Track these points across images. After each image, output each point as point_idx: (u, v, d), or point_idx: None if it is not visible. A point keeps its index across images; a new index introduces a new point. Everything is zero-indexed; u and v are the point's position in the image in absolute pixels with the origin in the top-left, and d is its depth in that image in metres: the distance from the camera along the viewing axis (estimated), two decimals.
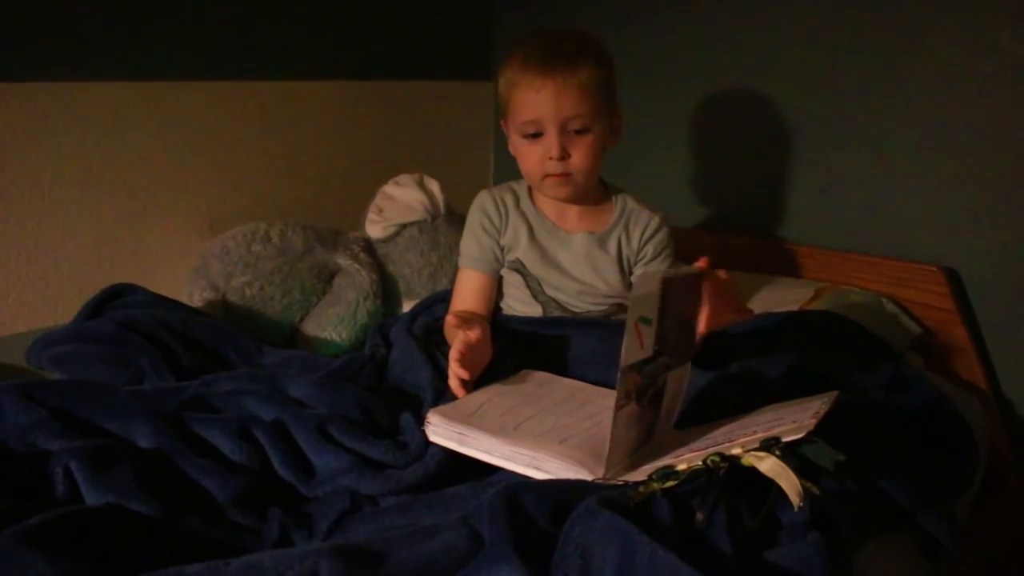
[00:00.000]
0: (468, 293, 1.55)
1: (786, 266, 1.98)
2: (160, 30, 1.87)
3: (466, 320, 1.34)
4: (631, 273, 1.55)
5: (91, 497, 1.01)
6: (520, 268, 1.53)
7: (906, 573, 1.26)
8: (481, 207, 1.56)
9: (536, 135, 1.44)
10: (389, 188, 1.94)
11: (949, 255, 1.79)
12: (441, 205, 1.91)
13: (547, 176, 1.46)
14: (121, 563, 0.90)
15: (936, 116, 1.78)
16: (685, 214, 2.16)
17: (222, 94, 2.00)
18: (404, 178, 1.94)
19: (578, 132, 1.44)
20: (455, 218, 1.92)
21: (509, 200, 1.56)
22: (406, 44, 2.35)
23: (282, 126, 2.12)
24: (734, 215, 2.15)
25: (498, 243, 1.54)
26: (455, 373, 1.27)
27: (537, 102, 1.41)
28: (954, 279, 1.78)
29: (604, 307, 1.54)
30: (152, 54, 1.87)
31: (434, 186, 1.93)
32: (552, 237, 1.53)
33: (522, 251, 1.53)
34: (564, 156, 1.44)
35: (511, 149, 1.53)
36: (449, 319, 1.37)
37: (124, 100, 1.84)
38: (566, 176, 1.46)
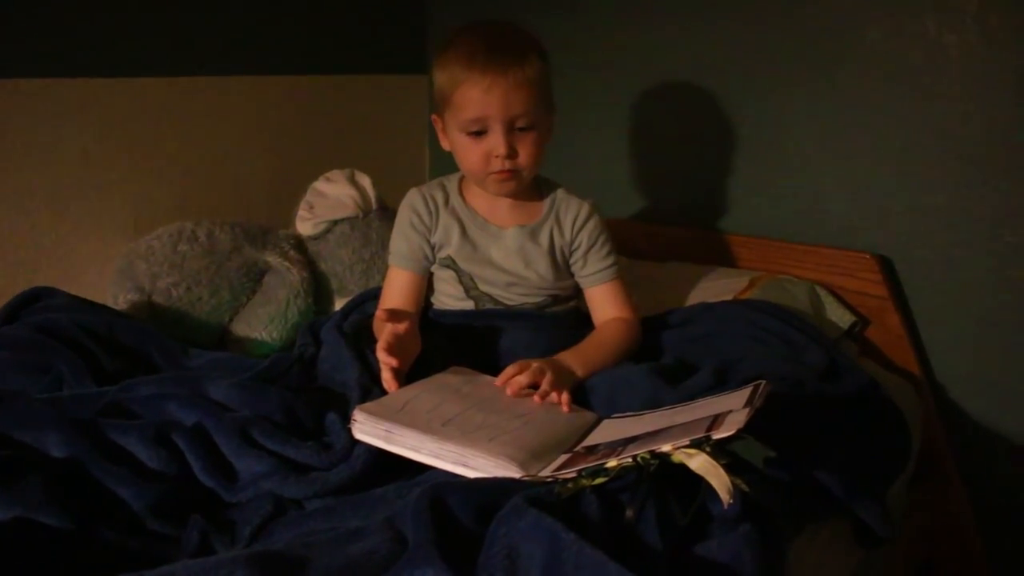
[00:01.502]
0: (397, 291, 1.52)
1: (721, 256, 1.98)
2: (80, 24, 1.82)
3: (395, 314, 1.33)
4: (567, 264, 1.53)
5: None
6: (452, 265, 1.51)
7: (840, 560, 1.27)
8: (411, 205, 1.54)
9: (480, 132, 1.42)
10: (320, 184, 1.90)
11: (882, 243, 1.80)
12: (373, 201, 1.88)
13: (491, 173, 1.44)
14: None
15: (869, 106, 1.78)
16: (620, 205, 2.15)
17: (145, 90, 1.94)
18: (335, 174, 1.91)
19: (523, 129, 1.42)
20: (388, 214, 1.89)
21: (439, 197, 1.53)
22: (338, 38, 2.31)
23: (210, 122, 2.07)
24: (668, 205, 2.14)
25: (428, 241, 1.52)
26: (384, 361, 1.25)
27: (486, 100, 1.39)
28: (887, 266, 1.79)
29: (538, 299, 1.52)
30: (71, 49, 1.81)
31: (366, 181, 1.90)
32: (484, 233, 1.51)
33: (454, 248, 1.50)
34: (511, 155, 1.42)
35: (446, 144, 1.50)
36: (378, 314, 1.35)
37: (41, 97, 1.78)
38: (511, 172, 1.44)
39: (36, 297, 1.56)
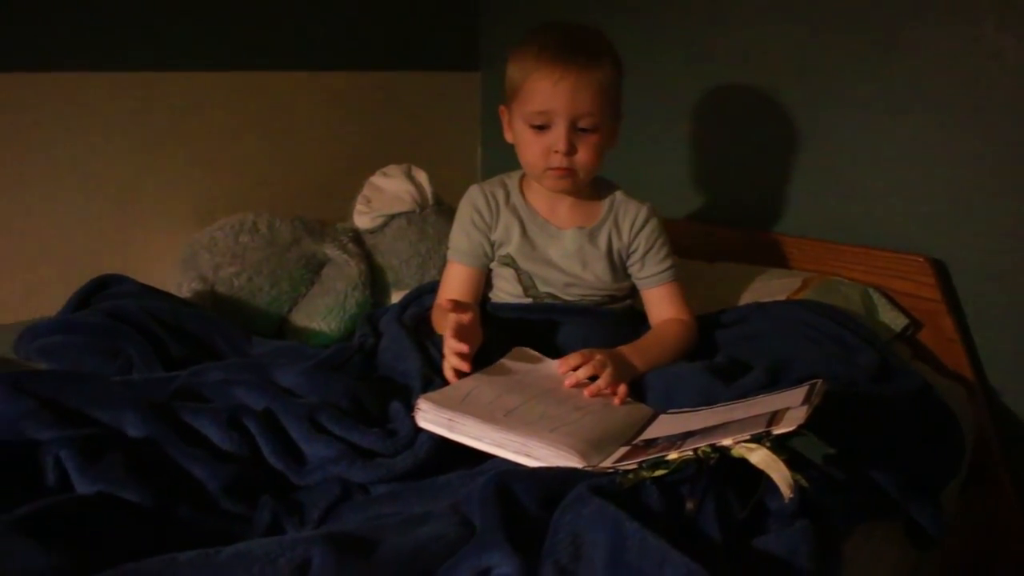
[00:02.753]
0: (455, 286, 1.55)
1: (774, 257, 1.98)
2: (147, 20, 1.87)
3: (458, 304, 1.35)
4: (624, 266, 1.55)
5: (82, 486, 1.01)
6: (511, 263, 1.53)
7: (893, 560, 1.27)
8: (472, 202, 1.56)
9: (543, 127, 1.44)
10: (377, 179, 1.94)
11: (936, 246, 1.80)
12: (429, 196, 1.91)
13: (549, 169, 1.46)
14: (112, 551, 0.90)
15: (924, 108, 1.78)
16: (674, 205, 2.16)
17: (211, 85, 1.99)
18: (392, 169, 1.95)
19: (586, 130, 1.44)
20: (443, 209, 1.92)
21: (500, 195, 1.55)
22: (395, 35, 2.35)
23: (271, 117, 2.12)
24: (723, 206, 2.15)
25: (488, 238, 1.54)
26: (454, 348, 1.27)
27: (553, 94, 1.41)
28: (941, 270, 1.79)
29: (595, 298, 1.54)
30: (140, 45, 1.86)
31: (422, 177, 1.93)
32: (543, 232, 1.53)
33: (513, 247, 1.53)
34: (571, 152, 1.44)
35: (510, 137, 1.52)
36: (443, 303, 1.37)
37: (112, 91, 1.83)
38: (568, 171, 1.46)
39: (106, 284, 1.61)
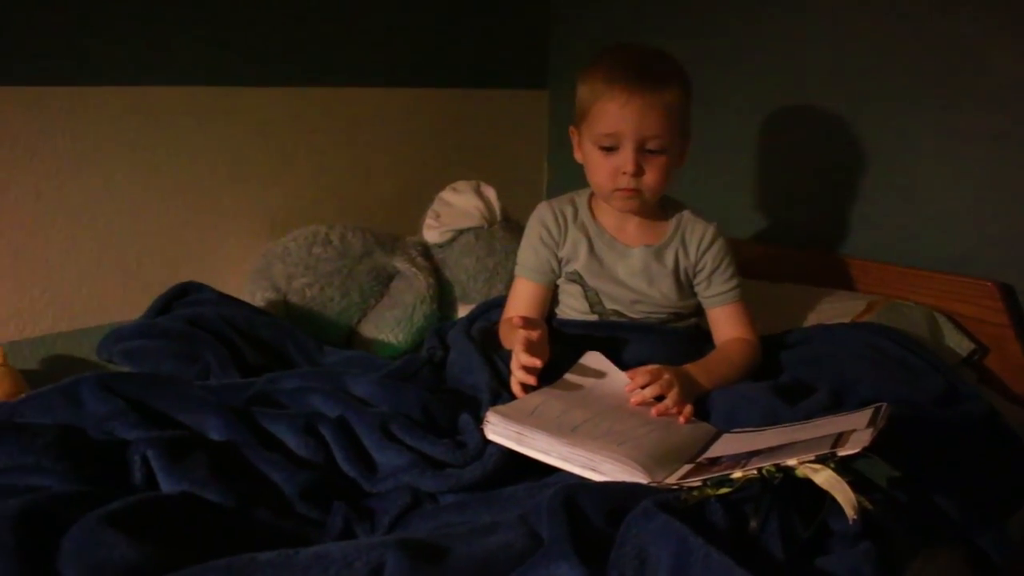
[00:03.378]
0: (522, 301, 1.58)
1: (839, 279, 1.98)
2: (228, 37, 1.93)
3: (529, 321, 1.38)
4: (690, 284, 1.57)
5: (167, 485, 1.06)
6: (578, 280, 1.55)
7: None
8: (540, 219, 1.59)
9: (611, 148, 1.46)
10: (446, 194, 1.97)
11: (1004, 270, 1.79)
12: (497, 212, 1.95)
13: (617, 190, 1.49)
14: (195, 548, 0.94)
15: (993, 131, 1.77)
16: (740, 226, 2.17)
17: (286, 100, 2.05)
18: (461, 184, 1.98)
19: (653, 152, 1.46)
20: (511, 225, 1.95)
21: (568, 212, 1.58)
22: (466, 53, 2.39)
23: (345, 132, 2.17)
24: (788, 227, 2.16)
25: (556, 255, 1.57)
26: (523, 362, 1.30)
27: (620, 116, 1.43)
28: (1009, 294, 1.78)
29: (661, 316, 1.56)
30: (221, 60, 1.93)
31: (491, 193, 1.96)
32: (611, 250, 1.56)
33: (581, 264, 1.55)
34: (638, 173, 1.46)
35: (579, 156, 1.55)
36: (513, 320, 1.39)
37: (192, 104, 1.90)
38: (636, 192, 1.48)
39: (186, 291, 1.67)
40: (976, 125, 1.80)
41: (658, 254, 1.55)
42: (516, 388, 1.31)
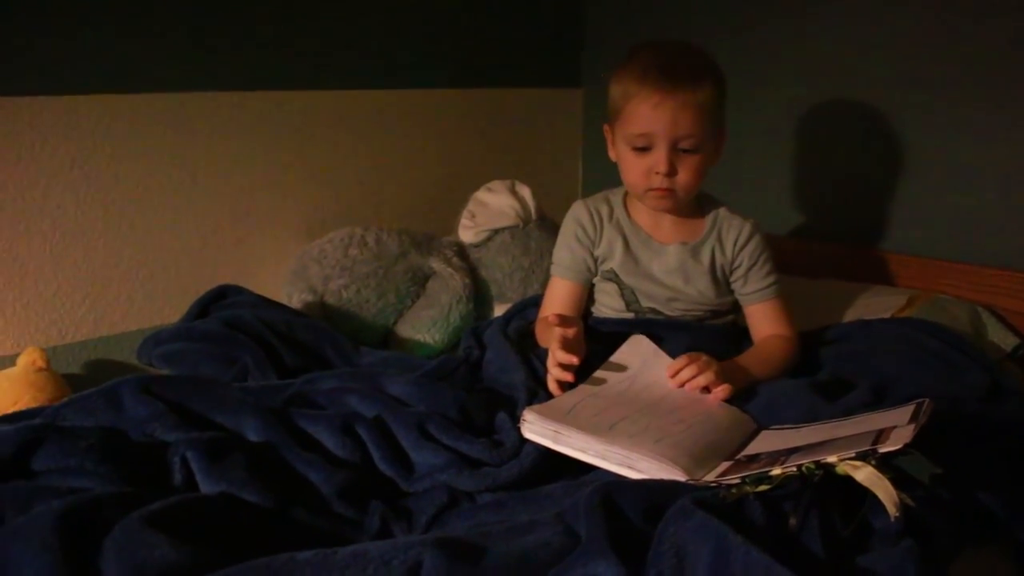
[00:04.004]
0: (558, 300, 1.57)
1: (879, 274, 1.96)
2: (266, 40, 1.95)
3: (564, 319, 1.38)
4: (727, 281, 1.56)
5: (206, 486, 1.06)
6: (614, 278, 1.55)
7: None
8: (576, 218, 1.58)
9: (645, 148, 1.45)
10: (481, 194, 1.98)
11: None
12: (533, 211, 1.95)
13: (650, 189, 1.48)
14: (235, 548, 0.94)
15: None
16: (777, 221, 2.15)
17: (322, 103, 2.06)
18: (496, 184, 1.98)
19: (687, 151, 1.45)
20: (546, 223, 1.95)
21: (604, 211, 1.57)
22: (498, 53, 2.39)
23: (378, 134, 2.18)
24: (825, 222, 2.13)
25: (591, 254, 1.56)
26: (560, 359, 1.30)
27: (653, 117, 1.42)
28: None
29: (698, 313, 1.55)
30: (256, 65, 1.94)
31: (526, 192, 1.96)
32: (646, 248, 1.55)
33: (617, 262, 1.55)
34: (671, 172, 1.45)
35: (613, 155, 1.54)
36: (549, 318, 1.39)
37: (228, 109, 1.92)
38: (669, 191, 1.47)
39: (224, 294, 1.68)
40: (1018, 118, 1.77)
41: (694, 252, 1.54)
42: (553, 386, 1.31)
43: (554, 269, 1.60)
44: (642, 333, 1.50)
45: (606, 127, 1.55)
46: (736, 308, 1.59)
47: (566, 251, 1.58)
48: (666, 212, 1.55)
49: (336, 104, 2.10)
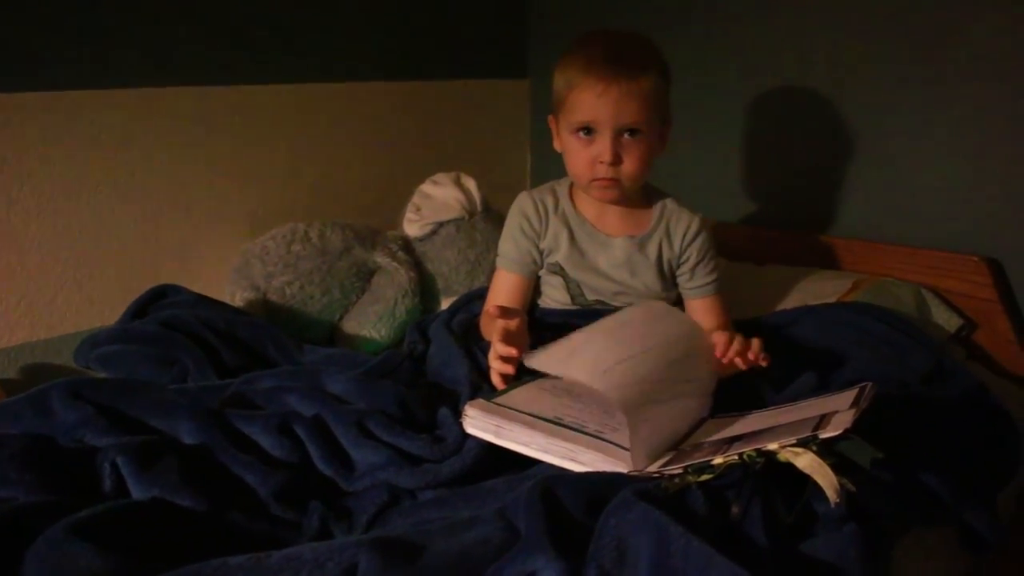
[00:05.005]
0: (504, 293, 1.55)
1: (824, 258, 1.97)
2: (198, 34, 1.90)
3: (506, 310, 1.36)
4: (672, 275, 1.55)
5: (137, 491, 1.03)
6: (560, 272, 1.53)
7: (947, 566, 1.25)
8: (521, 210, 1.56)
9: (589, 137, 1.43)
10: (426, 187, 1.95)
11: (991, 245, 1.77)
12: (478, 203, 1.93)
13: (595, 179, 1.46)
14: (167, 555, 0.92)
15: (977, 105, 1.76)
16: (724, 208, 2.15)
17: (261, 97, 2.03)
18: (441, 177, 1.96)
19: (632, 139, 1.43)
20: (492, 215, 1.94)
21: (550, 203, 1.55)
22: (442, 44, 2.37)
23: (320, 127, 2.15)
24: (772, 209, 2.14)
25: (537, 246, 1.54)
26: (500, 352, 1.27)
27: (597, 105, 1.40)
28: (996, 269, 1.76)
29: None
30: (192, 59, 1.90)
31: (471, 184, 1.94)
32: (592, 241, 1.53)
33: (562, 255, 1.53)
34: (616, 162, 1.43)
35: (558, 146, 1.52)
36: (490, 309, 1.38)
37: (166, 105, 1.87)
38: (614, 181, 1.45)
39: (163, 294, 1.65)
40: (957, 100, 1.78)
41: (641, 244, 1.53)
42: (495, 379, 1.29)
43: (499, 261, 1.58)
44: (588, 323, 1.49)
45: (550, 118, 1.53)
46: (680, 301, 1.58)
47: (511, 243, 1.56)
48: (612, 203, 1.53)
49: (277, 99, 2.06)
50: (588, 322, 1.47)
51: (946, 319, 1.75)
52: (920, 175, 1.86)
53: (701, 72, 2.14)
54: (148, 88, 1.84)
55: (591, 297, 1.53)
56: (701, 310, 1.55)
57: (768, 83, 2.08)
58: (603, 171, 1.44)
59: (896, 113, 1.87)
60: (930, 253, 1.83)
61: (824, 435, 0.96)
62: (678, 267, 1.55)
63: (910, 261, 1.84)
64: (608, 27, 1.54)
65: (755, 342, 1.30)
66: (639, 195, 1.55)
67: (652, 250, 1.53)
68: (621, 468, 1.05)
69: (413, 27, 2.30)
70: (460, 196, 1.91)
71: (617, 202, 1.53)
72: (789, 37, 2.02)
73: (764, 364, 1.29)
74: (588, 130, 1.43)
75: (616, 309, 1.52)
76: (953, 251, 1.80)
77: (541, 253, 1.55)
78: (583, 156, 1.45)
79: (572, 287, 1.54)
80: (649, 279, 1.53)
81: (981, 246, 1.78)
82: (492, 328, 1.37)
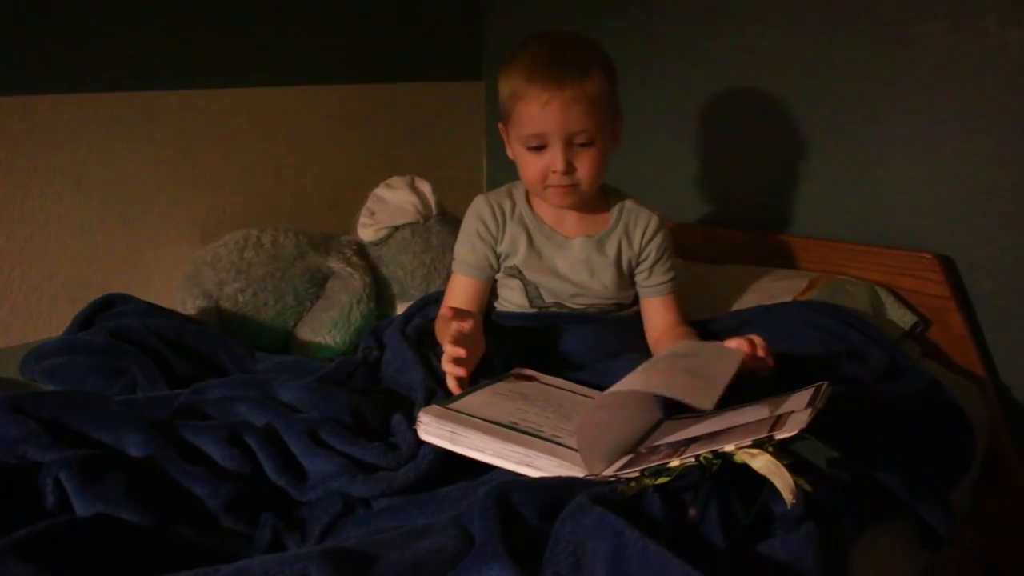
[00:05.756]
0: (460, 297, 1.54)
1: (780, 257, 1.97)
2: (149, 39, 1.87)
3: (459, 312, 1.34)
4: (631, 275, 1.55)
5: (81, 507, 1.00)
6: (518, 275, 1.52)
7: (904, 562, 1.26)
8: (478, 214, 1.54)
9: (540, 147, 1.42)
10: (380, 191, 1.93)
11: (944, 242, 1.79)
12: (433, 206, 1.91)
13: (550, 187, 1.45)
14: (111, 573, 0.89)
15: (928, 104, 1.77)
16: (681, 208, 2.16)
17: (212, 102, 2.00)
18: (395, 180, 1.94)
19: (583, 145, 1.41)
20: (448, 219, 1.92)
21: (507, 206, 1.54)
22: (395, 46, 2.35)
23: (272, 132, 2.12)
24: (728, 208, 2.15)
25: (494, 250, 1.53)
26: (451, 354, 1.25)
27: (543, 116, 1.38)
28: (949, 266, 1.78)
29: (602, 306, 1.53)
30: (141, 64, 1.87)
31: (425, 187, 1.93)
32: (550, 242, 1.52)
33: (520, 259, 1.51)
34: (569, 170, 1.42)
35: (510, 154, 1.50)
36: (443, 311, 1.36)
37: (114, 110, 1.84)
38: (570, 187, 1.44)
39: (110, 303, 1.61)
40: (909, 98, 1.80)
41: (599, 244, 1.52)
42: (450, 383, 1.27)
43: (455, 265, 1.56)
44: (544, 326, 1.48)
45: (501, 126, 1.51)
46: (636, 300, 1.58)
47: (468, 248, 1.54)
48: (569, 208, 1.52)
49: (227, 104, 2.03)
50: (545, 324, 1.47)
51: (900, 316, 1.76)
52: (875, 174, 1.87)
53: (655, 72, 2.15)
54: (94, 93, 1.81)
55: (549, 300, 1.52)
56: (658, 308, 1.54)
57: (724, 83, 2.08)
58: (557, 179, 1.43)
59: (851, 113, 1.88)
60: (885, 251, 1.84)
61: (780, 436, 0.95)
62: (637, 265, 1.54)
63: (865, 259, 1.86)
64: (548, 29, 1.52)
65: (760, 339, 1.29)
66: (598, 195, 1.54)
67: (611, 249, 1.52)
68: (577, 473, 1.03)
69: (366, 30, 2.28)
70: (415, 200, 1.89)
71: (575, 207, 1.51)
72: (744, 35, 2.02)
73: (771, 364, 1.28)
74: (537, 140, 1.41)
75: (573, 312, 1.51)
76: (907, 249, 1.81)
77: (498, 257, 1.53)
78: (536, 166, 1.43)
79: (530, 290, 1.52)
80: (607, 279, 1.52)
81: (934, 244, 1.79)
82: (446, 331, 1.35)
